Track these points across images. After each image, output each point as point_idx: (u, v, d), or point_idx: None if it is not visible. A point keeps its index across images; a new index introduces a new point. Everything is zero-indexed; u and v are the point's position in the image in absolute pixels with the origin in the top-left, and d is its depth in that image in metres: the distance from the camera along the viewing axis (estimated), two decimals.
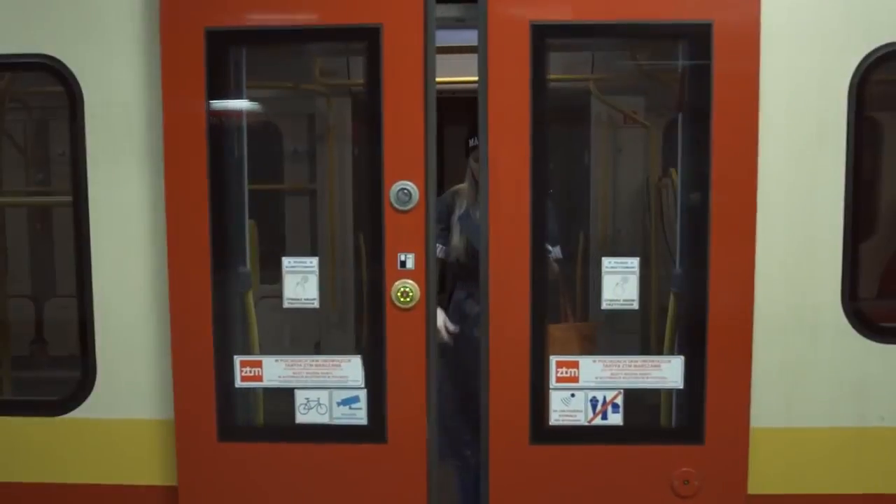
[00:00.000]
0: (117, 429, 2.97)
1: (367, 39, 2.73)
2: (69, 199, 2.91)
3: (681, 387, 2.80)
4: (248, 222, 3.01)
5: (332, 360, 2.87)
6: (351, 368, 2.85)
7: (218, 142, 2.79)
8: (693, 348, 2.79)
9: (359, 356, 2.86)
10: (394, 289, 2.79)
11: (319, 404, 2.87)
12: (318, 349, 4.20)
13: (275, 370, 2.86)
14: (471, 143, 3.37)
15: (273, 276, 2.96)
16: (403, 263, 2.78)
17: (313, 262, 2.85)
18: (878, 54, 2.73)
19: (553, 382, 2.81)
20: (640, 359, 2.84)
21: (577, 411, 2.82)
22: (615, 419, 2.82)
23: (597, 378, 2.81)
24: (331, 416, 2.87)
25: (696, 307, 2.77)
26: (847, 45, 2.74)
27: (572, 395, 2.82)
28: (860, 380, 2.83)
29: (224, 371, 2.85)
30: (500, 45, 2.71)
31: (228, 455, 2.88)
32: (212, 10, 2.75)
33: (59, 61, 2.84)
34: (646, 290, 3.28)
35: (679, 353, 2.89)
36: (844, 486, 2.88)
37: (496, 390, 2.81)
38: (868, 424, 2.85)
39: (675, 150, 2.93)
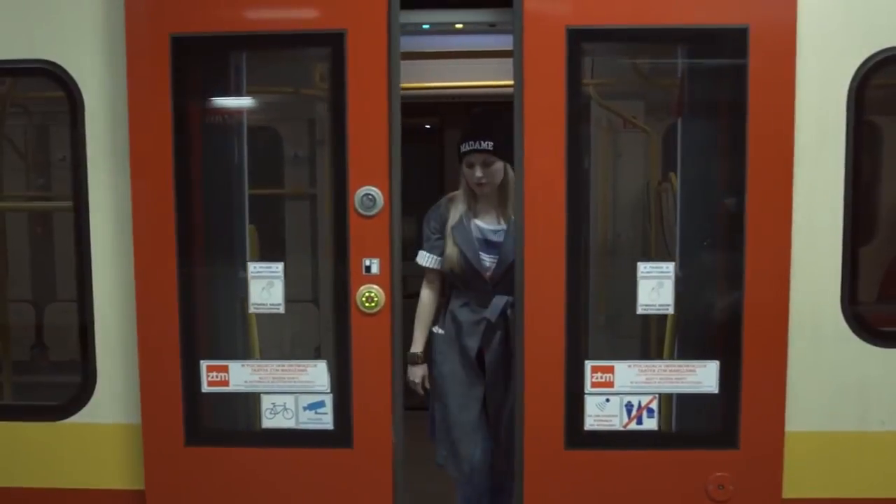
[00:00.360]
0: (118, 433, 2.97)
1: (332, 45, 2.77)
2: (69, 203, 2.90)
3: (716, 391, 2.81)
4: (248, 226, 3.02)
5: (298, 365, 2.90)
6: (317, 373, 2.89)
7: (184, 146, 2.84)
8: (728, 352, 2.80)
9: (324, 361, 2.90)
10: (359, 294, 2.81)
11: (286, 409, 2.91)
12: (318, 353, 4.19)
13: (241, 375, 2.90)
14: (462, 148, 3.25)
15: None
16: (368, 268, 2.81)
17: (278, 267, 2.88)
18: (878, 59, 2.73)
19: (588, 387, 2.82)
20: (675, 363, 2.86)
21: (613, 416, 2.84)
22: (650, 424, 2.84)
23: (632, 383, 2.82)
24: (297, 421, 2.91)
25: (732, 311, 2.79)
26: (847, 49, 2.75)
27: (607, 400, 2.83)
28: (859, 383, 2.82)
29: (190, 376, 2.89)
30: (535, 49, 2.73)
31: (195, 459, 2.92)
32: (177, 16, 2.80)
33: (59, 66, 2.87)
34: None
35: (680, 357, 2.93)
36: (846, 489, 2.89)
37: (531, 395, 2.83)
38: (869, 429, 2.84)
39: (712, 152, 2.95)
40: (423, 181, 6.16)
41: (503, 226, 3.23)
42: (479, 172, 3.17)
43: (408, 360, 3.30)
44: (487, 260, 3.22)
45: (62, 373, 3.83)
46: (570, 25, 2.71)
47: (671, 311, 2.82)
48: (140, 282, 2.86)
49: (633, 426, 2.83)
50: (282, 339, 3.45)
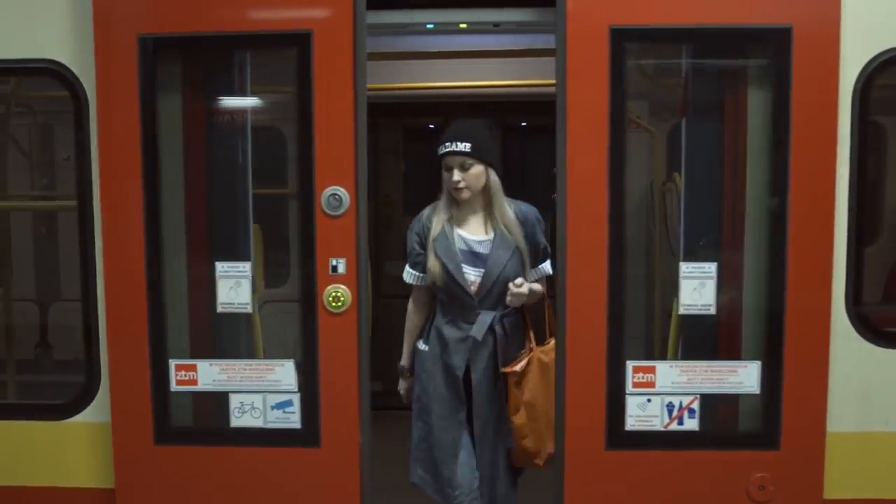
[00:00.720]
0: None
1: (298, 45, 2.81)
2: (74, 203, 2.92)
3: (757, 392, 2.84)
4: (252, 226, 3.03)
5: (266, 364, 2.95)
6: (284, 372, 2.93)
7: (152, 146, 2.88)
8: (769, 353, 2.83)
9: (291, 360, 2.94)
10: (325, 293, 2.85)
11: (254, 408, 2.95)
12: None
13: (209, 374, 2.95)
14: (439, 150, 3.00)
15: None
16: (335, 268, 2.85)
17: (246, 266, 2.91)
18: (881, 60, 2.74)
19: (629, 387, 2.84)
20: (716, 364, 2.87)
21: (654, 416, 2.86)
22: (691, 424, 2.86)
23: (673, 383, 2.85)
24: (265, 420, 2.95)
25: (773, 312, 2.82)
26: (850, 50, 2.76)
27: (648, 401, 2.85)
28: (864, 384, 2.83)
29: (160, 375, 2.93)
30: (578, 49, 2.76)
31: (164, 458, 2.97)
32: (144, 17, 2.86)
33: (64, 66, 2.90)
34: (650, 294, 3.27)
35: (685, 357, 2.94)
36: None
37: (572, 395, 2.85)
38: (872, 429, 2.85)
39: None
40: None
41: (489, 236, 3.02)
42: (456, 176, 2.95)
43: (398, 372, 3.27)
44: (472, 273, 2.99)
45: (66, 372, 3.84)
46: (614, 25, 2.73)
47: (713, 311, 2.84)
48: (109, 281, 2.91)
49: (674, 426, 2.86)
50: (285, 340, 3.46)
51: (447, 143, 2.95)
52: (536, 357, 2.96)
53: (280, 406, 2.93)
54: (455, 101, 5.36)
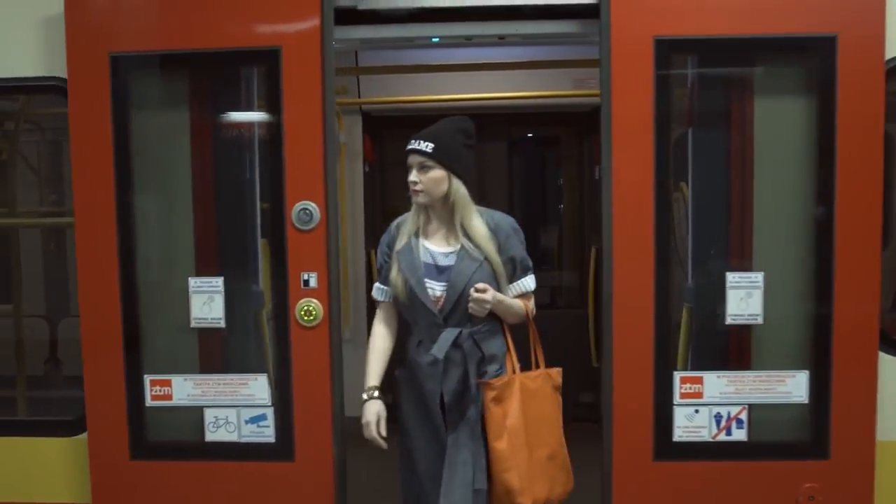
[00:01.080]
0: None
1: (267, 62, 2.86)
2: None
3: (806, 401, 2.85)
4: (260, 241, 3.03)
5: (240, 379, 2.98)
6: (258, 387, 2.96)
7: (125, 162, 2.92)
8: (818, 363, 2.84)
9: (265, 374, 2.98)
10: (298, 307, 2.89)
11: (228, 422, 2.98)
12: None
13: (184, 389, 2.98)
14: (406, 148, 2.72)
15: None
16: (307, 282, 2.88)
17: (218, 282, 2.95)
18: (888, 66, 2.76)
19: (677, 398, 2.86)
20: (764, 374, 2.88)
21: (702, 427, 2.87)
22: (739, 435, 2.87)
23: (721, 393, 2.86)
24: (239, 434, 2.98)
25: (821, 321, 2.82)
26: None
27: (696, 411, 2.87)
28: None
29: (135, 390, 2.97)
30: (623, 60, 2.79)
31: (140, 473, 3.00)
32: (116, 35, 2.91)
33: None
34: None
35: (703, 368, 2.92)
36: None
37: (619, 406, 2.88)
38: (885, 438, 2.85)
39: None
40: None
41: (454, 248, 2.68)
42: (413, 176, 2.64)
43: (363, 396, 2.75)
44: (438, 288, 2.66)
45: (76, 388, 3.85)
46: (658, 36, 2.76)
47: (760, 321, 2.84)
48: (84, 297, 2.97)
49: (722, 437, 2.87)
50: None
51: (412, 140, 2.68)
52: (519, 380, 2.61)
53: (254, 420, 2.96)
54: (459, 113, 5.35)
